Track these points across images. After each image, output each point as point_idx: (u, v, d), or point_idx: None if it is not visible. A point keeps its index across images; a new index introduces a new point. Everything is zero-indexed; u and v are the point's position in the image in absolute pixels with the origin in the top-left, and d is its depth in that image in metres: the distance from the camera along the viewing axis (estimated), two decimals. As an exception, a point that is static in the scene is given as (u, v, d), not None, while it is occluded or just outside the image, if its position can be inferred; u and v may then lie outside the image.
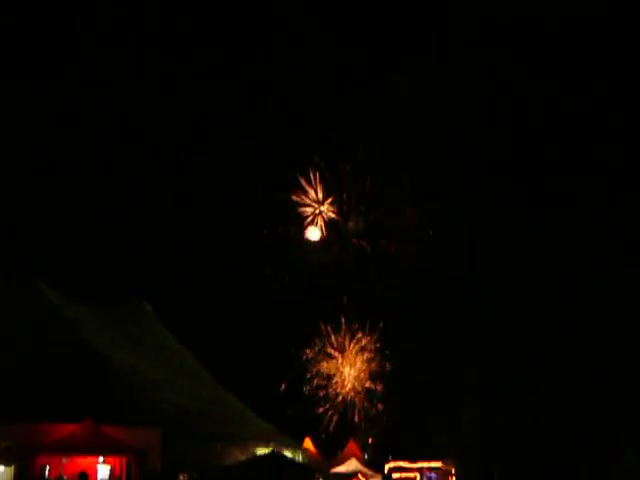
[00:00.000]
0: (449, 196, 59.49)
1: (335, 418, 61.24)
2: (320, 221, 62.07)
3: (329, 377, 61.81)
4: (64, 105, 72.09)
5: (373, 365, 61.41)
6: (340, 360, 61.80)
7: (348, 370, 61.57)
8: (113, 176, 73.21)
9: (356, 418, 61.31)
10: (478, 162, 59.90)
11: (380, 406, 60.35)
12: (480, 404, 55.28)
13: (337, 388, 61.69)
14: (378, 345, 61.25)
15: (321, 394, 61.75)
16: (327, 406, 61.59)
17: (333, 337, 61.55)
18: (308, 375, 61.58)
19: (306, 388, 61.46)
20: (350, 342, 61.65)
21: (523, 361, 56.79)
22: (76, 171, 72.27)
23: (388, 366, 60.20)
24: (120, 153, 72.53)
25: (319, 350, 61.74)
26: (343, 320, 60.12)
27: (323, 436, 62.64)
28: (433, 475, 57.45)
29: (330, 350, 62.10)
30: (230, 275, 65.78)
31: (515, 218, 57.71)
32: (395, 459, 58.65)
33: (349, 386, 61.55)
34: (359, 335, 61.31)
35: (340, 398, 61.77)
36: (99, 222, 72.74)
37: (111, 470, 45.82)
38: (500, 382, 55.46)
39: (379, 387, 61.05)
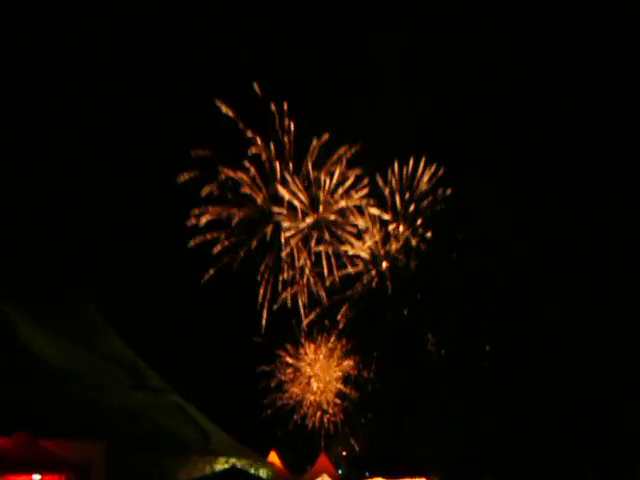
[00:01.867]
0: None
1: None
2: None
3: (294, 382, 55.67)
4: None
5: (345, 368, 55.16)
6: (307, 365, 55.61)
7: (316, 375, 55.31)
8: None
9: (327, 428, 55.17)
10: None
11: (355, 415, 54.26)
12: (466, 410, 49.49)
13: (303, 394, 55.43)
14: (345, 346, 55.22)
15: (286, 402, 55.62)
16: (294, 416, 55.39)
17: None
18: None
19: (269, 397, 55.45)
20: (316, 345, 55.52)
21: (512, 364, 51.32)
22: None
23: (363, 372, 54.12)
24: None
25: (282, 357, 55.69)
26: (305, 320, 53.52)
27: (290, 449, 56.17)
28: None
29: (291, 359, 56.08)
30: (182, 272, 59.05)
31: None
32: (372, 475, 52.56)
33: (318, 392, 55.24)
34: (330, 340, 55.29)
35: (308, 405, 55.51)
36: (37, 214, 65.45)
37: (48, 489, 39.88)
38: (487, 385, 49.86)
39: (352, 393, 54.94)
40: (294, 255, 52.77)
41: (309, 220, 52.57)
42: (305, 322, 53.32)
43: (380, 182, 52.65)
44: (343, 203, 52.08)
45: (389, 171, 52.29)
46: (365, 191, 52.11)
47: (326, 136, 51.14)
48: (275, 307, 53.04)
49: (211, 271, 52.68)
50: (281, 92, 51.39)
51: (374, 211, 52.48)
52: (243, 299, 54.10)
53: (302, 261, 52.75)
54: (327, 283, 52.48)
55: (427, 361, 50.38)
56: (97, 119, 60.02)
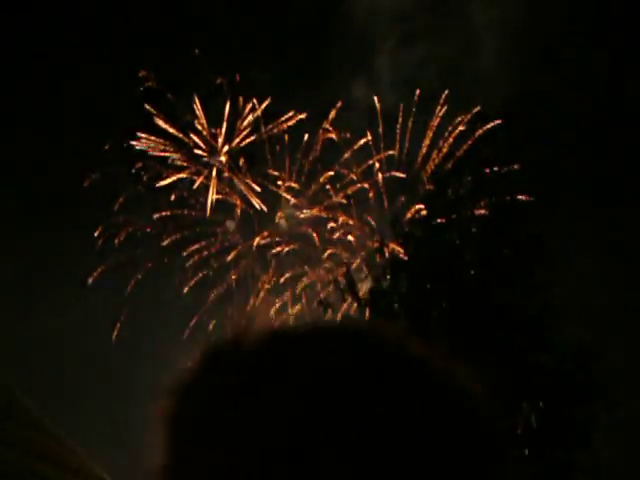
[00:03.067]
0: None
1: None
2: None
3: None
4: None
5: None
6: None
7: None
8: None
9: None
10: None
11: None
12: None
13: None
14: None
15: None
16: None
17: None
18: None
19: None
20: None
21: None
22: None
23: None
24: None
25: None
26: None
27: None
28: None
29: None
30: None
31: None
32: None
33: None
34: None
35: None
36: None
37: None
38: None
39: None
40: (248, 286, 39.32)
41: (259, 241, 39.07)
42: None
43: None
44: (308, 212, 38.57)
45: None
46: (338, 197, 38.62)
47: (298, 116, 37.21)
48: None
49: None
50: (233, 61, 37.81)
51: (343, 219, 38.72)
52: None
53: (258, 287, 39.50)
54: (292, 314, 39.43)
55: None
56: None
